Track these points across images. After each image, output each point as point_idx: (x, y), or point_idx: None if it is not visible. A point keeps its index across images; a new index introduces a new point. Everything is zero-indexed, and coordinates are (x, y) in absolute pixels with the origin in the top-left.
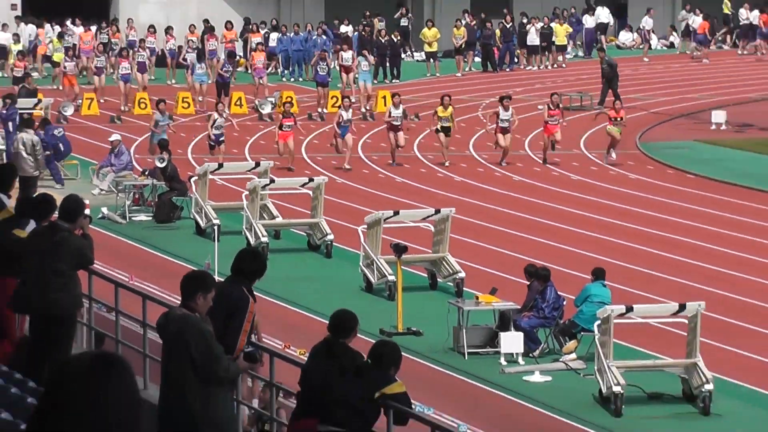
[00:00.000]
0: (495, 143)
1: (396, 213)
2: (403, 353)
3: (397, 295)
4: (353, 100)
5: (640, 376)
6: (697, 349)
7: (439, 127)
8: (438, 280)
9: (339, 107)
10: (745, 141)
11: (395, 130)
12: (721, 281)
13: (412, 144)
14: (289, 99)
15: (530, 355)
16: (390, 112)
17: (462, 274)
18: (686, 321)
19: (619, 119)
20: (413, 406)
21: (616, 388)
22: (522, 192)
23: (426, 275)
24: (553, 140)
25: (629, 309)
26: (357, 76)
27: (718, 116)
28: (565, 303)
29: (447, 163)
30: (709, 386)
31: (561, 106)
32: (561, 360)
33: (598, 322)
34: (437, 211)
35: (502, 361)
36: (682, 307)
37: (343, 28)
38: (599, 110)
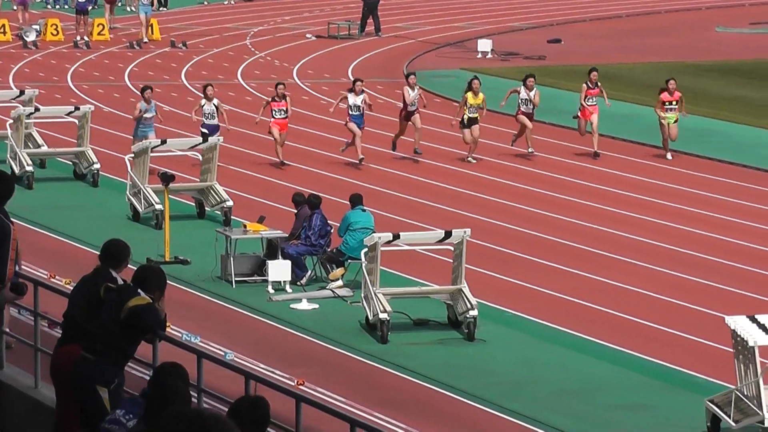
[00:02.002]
0: (520, 128)
1: (164, 142)
2: (170, 282)
3: (165, 223)
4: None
5: (407, 303)
6: (463, 275)
7: (465, 118)
8: (206, 208)
9: (349, 90)
10: (510, 69)
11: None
12: (486, 208)
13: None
14: (281, 85)
15: (297, 283)
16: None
17: (230, 203)
18: (452, 248)
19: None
20: (181, 334)
21: (383, 315)
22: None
23: (194, 204)
24: (590, 123)
25: (396, 236)
26: (137, 7)
27: (484, 45)
28: (332, 231)
29: (473, 161)
30: (474, 312)
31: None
32: (328, 287)
33: (365, 249)
34: (205, 140)
35: (270, 289)
36: (448, 234)
37: None
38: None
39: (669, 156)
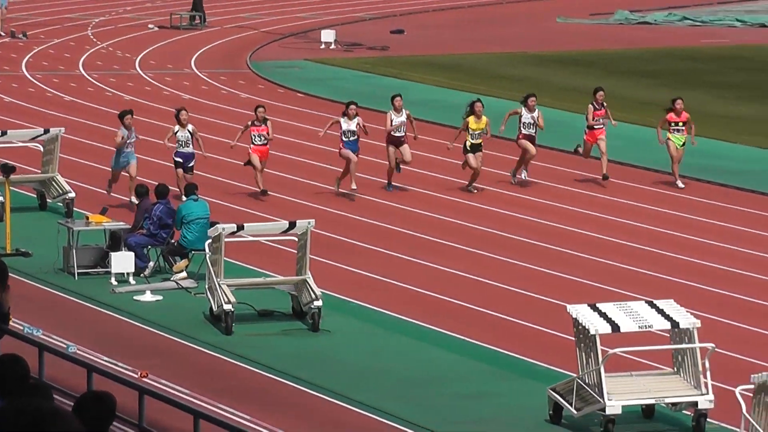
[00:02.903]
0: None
1: (4, 133)
2: (11, 274)
3: (6, 215)
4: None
5: (251, 294)
6: (307, 266)
7: (468, 144)
8: (47, 200)
9: (343, 114)
10: (354, 60)
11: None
12: (328, 199)
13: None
14: (261, 108)
15: (141, 275)
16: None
17: (72, 194)
18: (296, 239)
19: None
20: (22, 327)
21: (227, 306)
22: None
23: (35, 195)
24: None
25: (240, 227)
26: None
27: (328, 35)
28: (173, 222)
29: (474, 191)
30: (318, 303)
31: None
32: (172, 279)
33: (209, 240)
34: (46, 132)
35: (113, 280)
36: (292, 225)
37: None
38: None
39: (680, 184)
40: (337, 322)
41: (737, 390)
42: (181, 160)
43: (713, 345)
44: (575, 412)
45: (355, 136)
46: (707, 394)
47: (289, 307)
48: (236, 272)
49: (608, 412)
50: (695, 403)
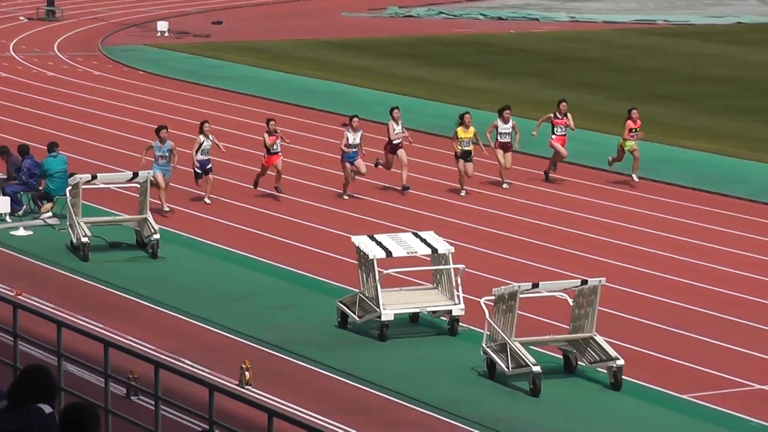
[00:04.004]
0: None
1: (94, 177)
2: None
3: None
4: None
5: (104, 229)
6: (147, 207)
7: (458, 151)
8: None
9: (344, 126)
10: (183, 45)
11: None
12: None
13: None
14: (272, 121)
15: (16, 214)
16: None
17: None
18: (138, 186)
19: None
20: None
21: (84, 239)
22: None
23: None
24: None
25: (94, 177)
26: None
27: (162, 25)
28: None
29: (463, 193)
30: (157, 236)
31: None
32: (40, 218)
33: (70, 187)
34: (135, 175)
35: None
36: (135, 175)
37: None
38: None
39: (635, 178)
40: (172, 251)
41: (482, 300)
42: (202, 161)
43: (464, 266)
44: (358, 319)
45: (356, 148)
46: (459, 304)
47: (134, 239)
48: (92, 212)
49: (383, 318)
50: (450, 311)
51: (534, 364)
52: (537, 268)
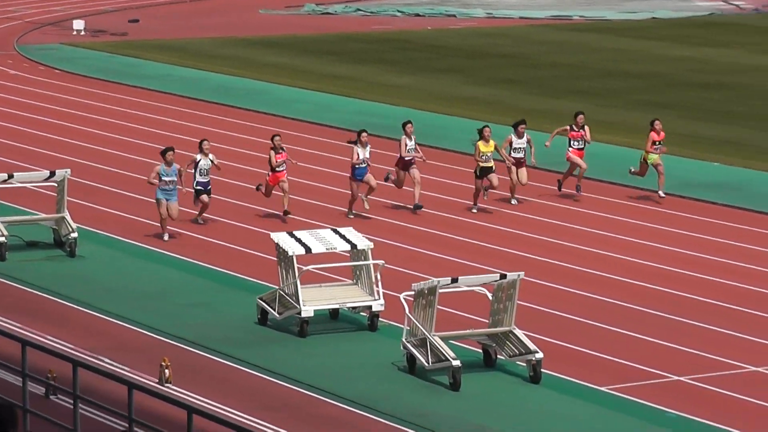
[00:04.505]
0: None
1: (10, 176)
2: None
3: None
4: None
5: (21, 228)
6: (65, 206)
7: (478, 169)
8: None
9: (353, 143)
10: (100, 43)
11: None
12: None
13: None
14: (278, 137)
15: None
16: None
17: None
18: (56, 185)
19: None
20: None
21: (1, 238)
22: None
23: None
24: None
25: (10, 176)
26: None
27: (78, 24)
28: None
29: (475, 210)
30: (74, 234)
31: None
32: None
33: None
34: (52, 174)
35: None
36: (52, 174)
37: None
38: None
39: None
40: (89, 249)
41: (402, 296)
42: (202, 188)
43: (383, 261)
44: (278, 315)
45: (366, 164)
46: (379, 299)
47: (51, 238)
48: (8, 212)
49: (303, 315)
50: (370, 307)
51: (454, 359)
52: (455, 262)
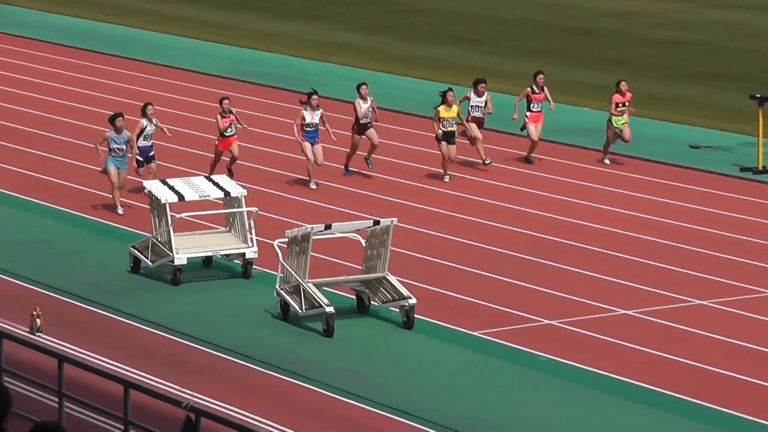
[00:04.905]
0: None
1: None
2: None
3: None
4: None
5: None
6: None
7: (440, 132)
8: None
9: (301, 105)
10: None
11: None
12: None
13: None
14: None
15: None
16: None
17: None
18: None
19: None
20: None
21: None
22: None
23: None
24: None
25: None
26: None
27: None
28: None
29: (447, 179)
30: None
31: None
32: None
33: None
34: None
35: None
36: None
37: None
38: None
39: (607, 161)
40: None
41: (275, 243)
42: (144, 147)
43: (256, 208)
44: (151, 263)
45: (316, 128)
46: (253, 246)
47: None
48: None
49: (176, 263)
50: (243, 254)
51: (327, 305)
52: (331, 210)
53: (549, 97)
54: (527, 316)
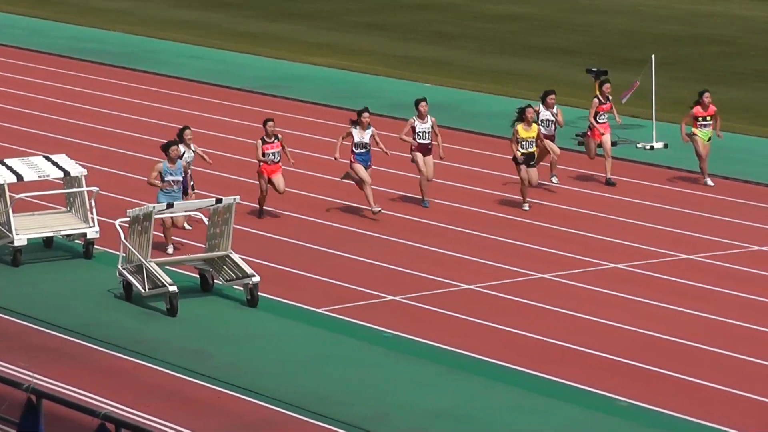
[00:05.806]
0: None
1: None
2: None
3: None
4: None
5: None
6: None
7: (518, 153)
8: None
9: (350, 124)
10: None
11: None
12: None
13: None
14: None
15: None
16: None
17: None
18: None
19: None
20: None
21: None
22: None
23: None
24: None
25: None
26: None
27: None
28: None
29: (526, 207)
30: None
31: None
32: None
33: None
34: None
35: None
36: None
37: None
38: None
39: (710, 182)
40: None
41: (117, 222)
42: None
43: (97, 188)
44: None
45: (367, 149)
46: (94, 226)
47: None
48: None
49: (16, 244)
50: (85, 234)
51: (170, 284)
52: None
53: (614, 110)
54: (371, 292)
